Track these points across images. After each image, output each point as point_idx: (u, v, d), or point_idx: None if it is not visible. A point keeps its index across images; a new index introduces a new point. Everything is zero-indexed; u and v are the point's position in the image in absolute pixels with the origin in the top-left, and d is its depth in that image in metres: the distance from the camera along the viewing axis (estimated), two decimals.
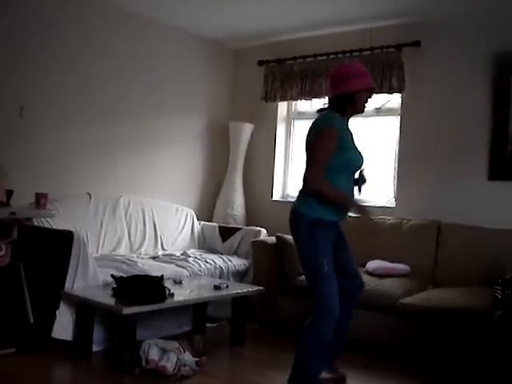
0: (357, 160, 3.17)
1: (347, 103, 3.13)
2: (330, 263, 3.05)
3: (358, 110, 3.17)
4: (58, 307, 3.58)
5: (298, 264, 4.23)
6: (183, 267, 4.45)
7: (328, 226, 3.10)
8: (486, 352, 3.11)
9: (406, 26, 4.92)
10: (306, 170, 3.13)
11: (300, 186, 3.20)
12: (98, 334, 3.67)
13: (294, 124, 5.86)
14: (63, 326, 3.58)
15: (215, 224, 5.53)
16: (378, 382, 3.50)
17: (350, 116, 3.20)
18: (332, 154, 3.02)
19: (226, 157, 5.87)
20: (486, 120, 4.57)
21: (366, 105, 3.19)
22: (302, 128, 5.52)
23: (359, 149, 3.22)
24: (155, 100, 5.31)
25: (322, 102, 5.42)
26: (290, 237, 4.37)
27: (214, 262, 4.74)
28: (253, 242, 4.75)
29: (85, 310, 3.56)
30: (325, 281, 3.03)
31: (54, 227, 4.12)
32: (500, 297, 3.10)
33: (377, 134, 5.26)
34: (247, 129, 5.76)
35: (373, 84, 3.19)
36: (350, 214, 3.23)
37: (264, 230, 5.17)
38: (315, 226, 3.05)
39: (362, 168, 3.23)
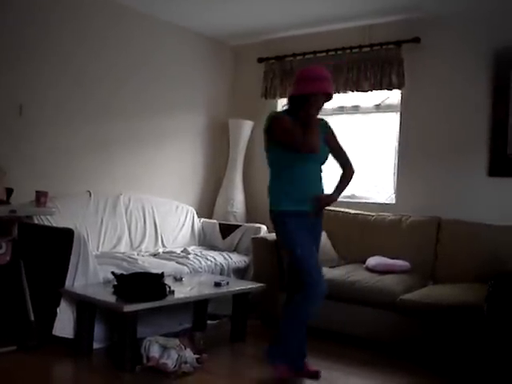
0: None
1: (301, 105, 3.25)
2: (303, 245, 3.21)
3: (311, 112, 3.23)
4: (58, 305, 3.58)
5: None
6: (184, 264, 4.45)
7: (293, 217, 3.23)
8: (481, 345, 3.16)
9: (405, 22, 4.92)
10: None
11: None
12: (98, 331, 3.67)
13: None
14: (64, 323, 3.59)
15: (215, 221, 5.54)
16: (379, 378, 3.50)
17: (306, 117, 3.24)
18: (279, 149, 3.25)
19: (225, 154, 5.87)
20: (485, 116, 4.56)
21: (322, 108, 3.31)
22: None
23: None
24: (155, 97, 5.31)
25: None
26: None
27: (215, 258, 4.75)
28: (253, 238, 4.75)
29: (85, 307, 3.56)
30: (302, 261, 3.20)
31: (55, 225, 4.12)
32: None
33: (377, 130, 5.27)
34: (247, 126, 5.75)
35: (329, 89, 3.25)
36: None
37: (264, 227, 5.17)
38: (281, 216, 3.27)
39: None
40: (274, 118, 3.30)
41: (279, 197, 3.30)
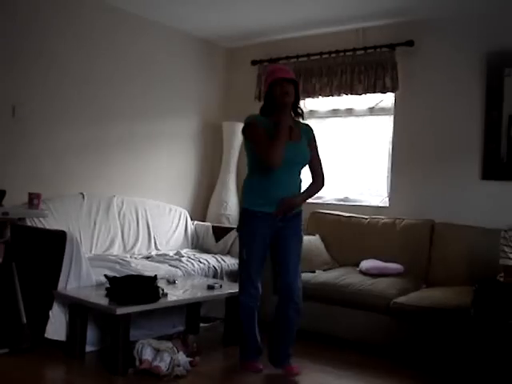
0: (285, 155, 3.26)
1: (270, 101, 3.36)
2: (253, 251, 3.37)
3: (279, 102, 3.31)
4: (51, 307, 3.57)
5: None
6: (177, 267, 4.44)
7: (258, 219, 3.33)
8: (471, 347, 3.21)
9: (399, 25, 4.93)
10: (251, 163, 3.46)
11: None
12: (91, 334, 3.65)
13: None
14: (56, 326, 3.57)
15: (209, 224, 5.52)
16: (372, 381, 3.49)
17: (281, 110, 3.31)
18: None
19: (219, 157, 5.86)
20: (478, 119, 4.58)
21: (287, 96, 3.30)
22: None
23: (301, 146, 3.40)
24: (148, 100, 5.29)
25: (315, 101, 5.48)
26: None
27: (208, 261, 4.73)
28: None
29: (78, 310, 3.54)
30: (243, 265, 3.44)
31: (47, 227, 4.10)
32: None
33: (370, 133, 5.27)
34: (241, 129, 5.73)
35: (285, 75, 3.31)
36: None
37: None
38: (244, 214, 3.42)
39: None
40: (248, 125, 3.42)
41: (249, 194, 3.42)
